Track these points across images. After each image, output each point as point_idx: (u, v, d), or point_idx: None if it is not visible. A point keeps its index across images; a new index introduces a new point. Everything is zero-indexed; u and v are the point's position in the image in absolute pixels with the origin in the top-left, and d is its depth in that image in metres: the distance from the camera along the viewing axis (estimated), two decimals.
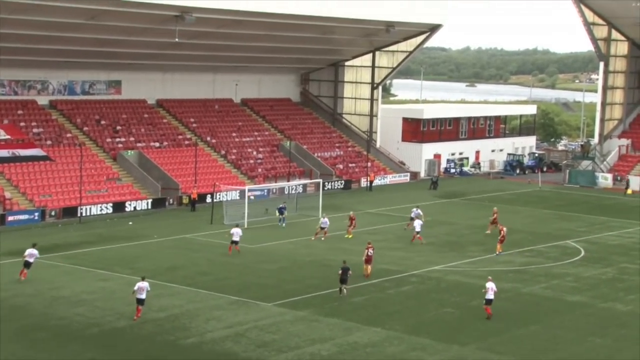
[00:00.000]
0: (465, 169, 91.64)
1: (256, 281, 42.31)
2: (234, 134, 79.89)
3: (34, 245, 41.93)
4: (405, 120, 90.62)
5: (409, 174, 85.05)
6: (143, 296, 35.11)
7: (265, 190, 70.06)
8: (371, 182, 78.37)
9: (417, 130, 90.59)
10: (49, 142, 67.14)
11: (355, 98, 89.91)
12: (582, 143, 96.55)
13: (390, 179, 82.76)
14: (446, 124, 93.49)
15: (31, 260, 41.06)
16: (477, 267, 45.96)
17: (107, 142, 70.67)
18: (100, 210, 60.96)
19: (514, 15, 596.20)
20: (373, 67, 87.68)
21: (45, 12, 58.72)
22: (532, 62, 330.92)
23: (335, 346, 32.75)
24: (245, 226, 56.19)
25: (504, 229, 50.16)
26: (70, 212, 59.20)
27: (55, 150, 66.46)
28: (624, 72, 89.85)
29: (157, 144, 72.97)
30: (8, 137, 65.11)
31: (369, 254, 43.70)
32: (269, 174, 75.60)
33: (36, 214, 57.99)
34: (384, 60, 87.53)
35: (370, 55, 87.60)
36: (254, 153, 78.30)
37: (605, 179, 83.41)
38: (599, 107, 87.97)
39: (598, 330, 35.90)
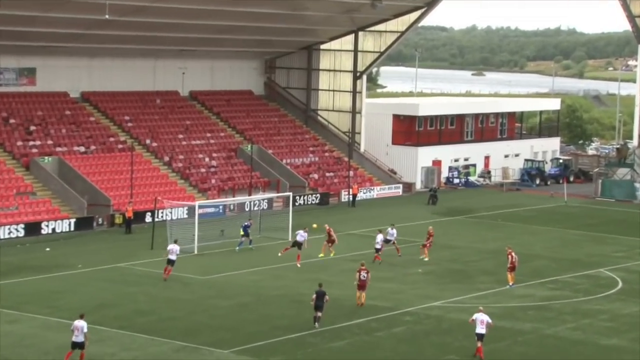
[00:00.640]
0: (472, 178, 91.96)
1: (209, 322, 42.09)
2: (180, 136, 79.72)
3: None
4: (396, 118, 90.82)
5: (401, 185, 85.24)
6: (79, 339, 35.30)
7: (221, 207, 69.83)
8: (354, 195, 78.46)
9: (411, 130, 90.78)
10: None
11: (334, 90, 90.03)
12: (617, 146, 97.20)
13: (378, 191, 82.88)
14: (447, 122, 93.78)
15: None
16: (488, 303, 45.97)
17: (18, 147, 70.22)
18: (9, 233, 60.46)
19: None
20: (355, 51, 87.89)
21: None
22: (555, 45, 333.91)
23: None
24: (195, 252, 55.92)
25: (513, 253, 50.34)
26: None
27: None
28: None
29: (82, 149, 72.63)
30: None
31: (362, 277, 44.10)
32: (225, 186, 75.44)
33: None
34: (369, 42, 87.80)
35: (351, 37, 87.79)
36: (206, 160, 78.16)
37: None
38: (638, 101, 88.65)
39: None
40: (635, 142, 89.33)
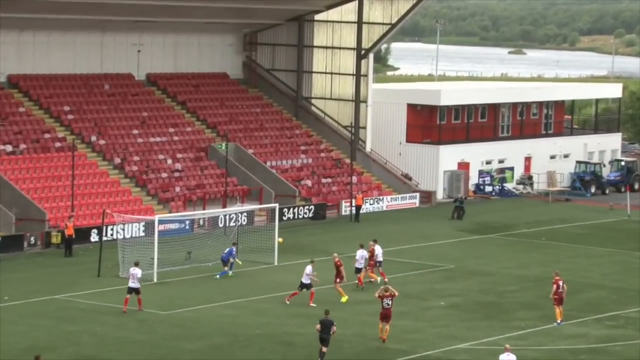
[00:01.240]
0: (509, 186, 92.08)
1: None
2: (135, 131, 79.77)
3: None
4: (412, 108, 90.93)
5: (418, 194, 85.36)
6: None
7: (187, 222, 69.91)
8: (358, 207, 78.54)
9: (431, 124, 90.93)
10: None
11: (332, 73, 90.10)
12: None
13: (389, 202, 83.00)
14: (477, 114, 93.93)
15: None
16: (529, 345, 46.05)
17: None
18: None
19: None
20: (359, 22, 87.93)
21: None
22: (615, 16, 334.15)
23: None
24: (155, 280, 55.91)
25: (561, 282, 50.28)
26: None
27: None
28: None
29: (8, 148, 72.65)
30: None
31: (386, 305, 44.83)
32: (193, 196, 75.53)
33: None
34: (377, 11, 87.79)
35: (354, 5, 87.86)
36: (169, 162, 78.22)
37: None
38: None
39: None
40: None
